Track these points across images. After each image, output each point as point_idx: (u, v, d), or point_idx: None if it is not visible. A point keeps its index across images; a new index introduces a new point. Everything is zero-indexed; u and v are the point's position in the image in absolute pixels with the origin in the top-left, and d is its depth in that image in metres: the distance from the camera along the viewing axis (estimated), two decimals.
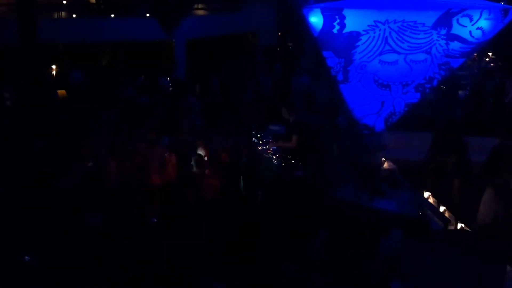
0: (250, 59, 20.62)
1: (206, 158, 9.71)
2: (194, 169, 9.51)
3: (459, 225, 8.28)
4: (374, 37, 6.10)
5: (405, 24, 6.07)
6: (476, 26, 6.23)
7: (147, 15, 19.20)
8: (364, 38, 6.08)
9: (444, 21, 6.14)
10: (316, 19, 5.84)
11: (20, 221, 7.42)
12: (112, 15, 21.76)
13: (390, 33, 6.09)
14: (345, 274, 6.60)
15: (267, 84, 17.68)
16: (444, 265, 5.95)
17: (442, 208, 8.76)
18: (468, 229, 8.27)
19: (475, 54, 17.20)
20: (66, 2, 22.73)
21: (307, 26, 5.91)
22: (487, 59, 17.99)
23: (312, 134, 10.71)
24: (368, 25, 6.03)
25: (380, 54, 6.23)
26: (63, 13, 22.09)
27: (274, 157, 10.09)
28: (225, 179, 9.79)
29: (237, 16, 21.71)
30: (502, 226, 8.67)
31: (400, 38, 6.16)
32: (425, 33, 6.17)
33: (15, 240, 6.88)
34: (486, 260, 6.07)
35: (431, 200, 9.22)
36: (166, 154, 9.86)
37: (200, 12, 22.72)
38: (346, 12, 5.93)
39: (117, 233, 7.42)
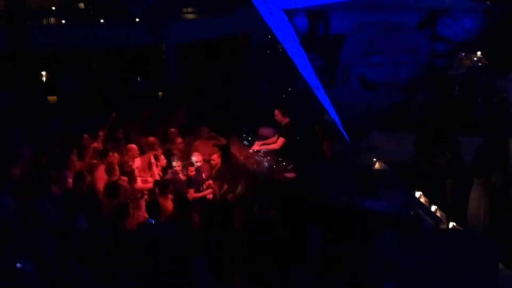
0: (241, 62, 20.63)
1: (198, 162, 9.74)
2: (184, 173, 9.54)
3: (451, 224, 8.32)
4: (359, 39, 6.11)
5: (389, 25, 6.09)
6: (460, 26, 6.26)
7: (137, 20, 19.20)
8: (349, 40, 6.09)
9: (429, 22, 6.16)
10: (301, 21, 5.85)
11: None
12: (102, 21, 21.74)
13: (374, 34, 6.11)
14: (338, 274, 6.61)
15: (258, 86, 17.68)
16: (436, 264, 5.97)
17: (433, 208, 8.80)
18: (460, 228, 8.30)
19: (463, 54, 17.25)
20: (56, 9, 22.68)
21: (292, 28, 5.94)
22: (476, 59, 18.01)
23: (304, 136, 10.74)
24: (353, 27, 6.05)
25: (366, 55, 6.25)
26: (53, 19, 22.05)
27: (265, 159, 10.12)
28: (218, 183, 9.83)
29: (227, 19, 21.72)
30: (490, 222, 8.76)
31: (385, 40, 6.18)
32: (409, 34, 6.19)
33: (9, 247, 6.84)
34: (478, 258, 6.10)
35: (422, 199, 9.26)
36: (156, 158, 9.89)
37: (190, 16, 22.72)
38: (331, 14, 5.95)
39: (109, 237, 7.37)
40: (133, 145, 10.02)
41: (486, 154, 8.90)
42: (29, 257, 6.40)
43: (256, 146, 10.62)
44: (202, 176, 9.78)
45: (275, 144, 10.40)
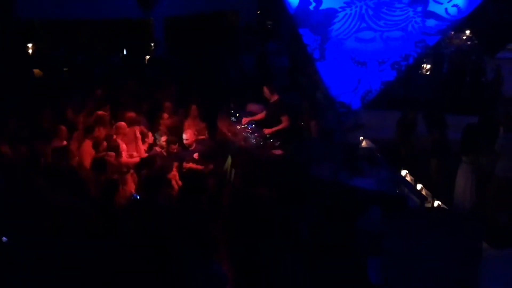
0: (230, 38, 20.46)
1: (187, 138, 9.70)
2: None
3: (436, 203, 8.36)
4: (350, 14, 6.06)
5: (381, 1, 6.04)
6: (452, 3, 6.22)
7: None
8: (340, 15, 6.04)
9: None
10: None
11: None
12: None
13: (366, 10, 6.05)
14: (324, 252, 6.62)
15: (247, 63, 17.57)
16: (421, 242, 6.00)
17: (419, 186, 8.84)
18: (445, 207, 8.35)
19: (452, 32, 17.26)
20: None
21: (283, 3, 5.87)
22: (465, 37, 18.01)
23: (292, 113, 10.70)
24: (344, 2, 5.99)
25: (357, 31, 6.20)
26: None
27: (252, 135, 10.08)
28: (205, 160, 9.78)
29: None
30: (476, 201, 8.81)
31: (376, 15, 6.12)
32: (401, 10, 6.14)
33: None
34: (462, 237, 6.13)
35: (408, 178, 9.29)
36: (144, 134, 9.83)
37: None
38: None
39: (96, 213, 7.33)
40: (122, 123, 9.93)
41: (475, 132, 8.90)
42: (17, 232, 6.36)
43: (244, 121, 10.58)
44: (191, 154, 9.74)
45: (282, 124, 10.26)
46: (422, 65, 16.27)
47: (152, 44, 20.28)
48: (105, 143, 9.10)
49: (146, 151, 9.90)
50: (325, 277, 6.20)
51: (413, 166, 9.76)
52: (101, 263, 6.36)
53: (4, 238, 6.20)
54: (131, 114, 10.16)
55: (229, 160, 9.73)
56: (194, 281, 5.70)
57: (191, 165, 9.34)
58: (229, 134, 10.32)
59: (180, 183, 8.81)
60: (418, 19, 6.28)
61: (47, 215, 7.01)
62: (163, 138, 9.62)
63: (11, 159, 8.65)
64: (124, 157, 9.26)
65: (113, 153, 8.90)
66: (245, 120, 10.61)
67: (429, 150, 9.83)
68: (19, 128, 9.71)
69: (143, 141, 9.97)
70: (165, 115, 10.89)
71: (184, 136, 9.72)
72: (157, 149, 9.62)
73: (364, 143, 10.31)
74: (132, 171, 9.17)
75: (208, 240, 6.26)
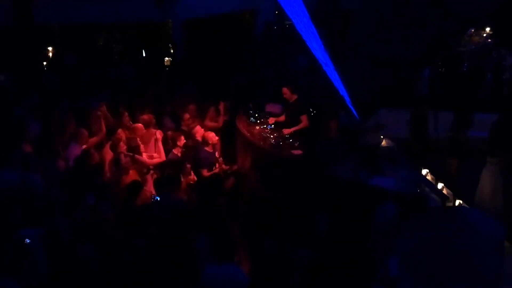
0: (248, 38, 20.48)
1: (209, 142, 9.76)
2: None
3: (457, 202, 8.31)
4: (369, 14, 6.04)
5: (400, 2, 6.01)
6: (471, 1, 6.19)
7: None
8: (359, 15, 6.03)
9: None
10: None
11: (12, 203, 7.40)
12: None
13: (385, 10, 6.03)
14: (343, 251, 6.61)
15: (266, 63, 17.56)
16: (442, 242, 5.95)
17: (440, 185, 8.79)
18: (466, 206, 8.29)
19: (473, 30, 17.08)
20: None
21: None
22: (485, 35, 17.79)
23: (312, 113, 10.70)
24: (363, 4, 5.98)
25: (375, 32, 6.18)
26: None
27: (271, 136, 10.09)
28: (225, 160, 9.83)
29: None
30: (502, 201, 8.73)
31: (395, 15, 6.11)
32: (419, 10, 6.11)
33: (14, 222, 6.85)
34: (484, 236, 6.07)
35: (429, 177, 9.25)
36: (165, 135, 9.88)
37: None
38: None
39: (114, 215, 7.38)
40: (139, 124, 10.00)
41: (500, 132, 8.81)
42: (36, 233, 6.42)
43: (271, 121, 10.62)
44: (214, 155, 9.80)
45: (303, 123, 10.29)
46: (442, 64, 16.14)
47: (171, 47, 20.37)
48: (124, 145, 9.13)
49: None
50: (341, 275, 6.19)
51: (428, 163, 9.72)
52: (120, 263, 6.43)
53: (27, 240, 6.27)
54: (147, 116, 10.23)
55: (248, 160, 9.74)
56: (212, 282, 5.72)
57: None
58: (248, 134, 10.33)
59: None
60: (437, 18, 6.25)
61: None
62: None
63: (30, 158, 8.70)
64: (145, 157, 9.29)
65: (131, 154, 8.93)
66: (271, 120, 10.63)
67: (448, 148, 9.80)
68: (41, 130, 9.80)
69: (175, 145, 9.87)
70: (186, 116, 10.93)
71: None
72: (175, 151, 9.63)
73: (384, 142, 10.28)
74: (152, 172, 9.23)
75: (226, 241, 6.30)
